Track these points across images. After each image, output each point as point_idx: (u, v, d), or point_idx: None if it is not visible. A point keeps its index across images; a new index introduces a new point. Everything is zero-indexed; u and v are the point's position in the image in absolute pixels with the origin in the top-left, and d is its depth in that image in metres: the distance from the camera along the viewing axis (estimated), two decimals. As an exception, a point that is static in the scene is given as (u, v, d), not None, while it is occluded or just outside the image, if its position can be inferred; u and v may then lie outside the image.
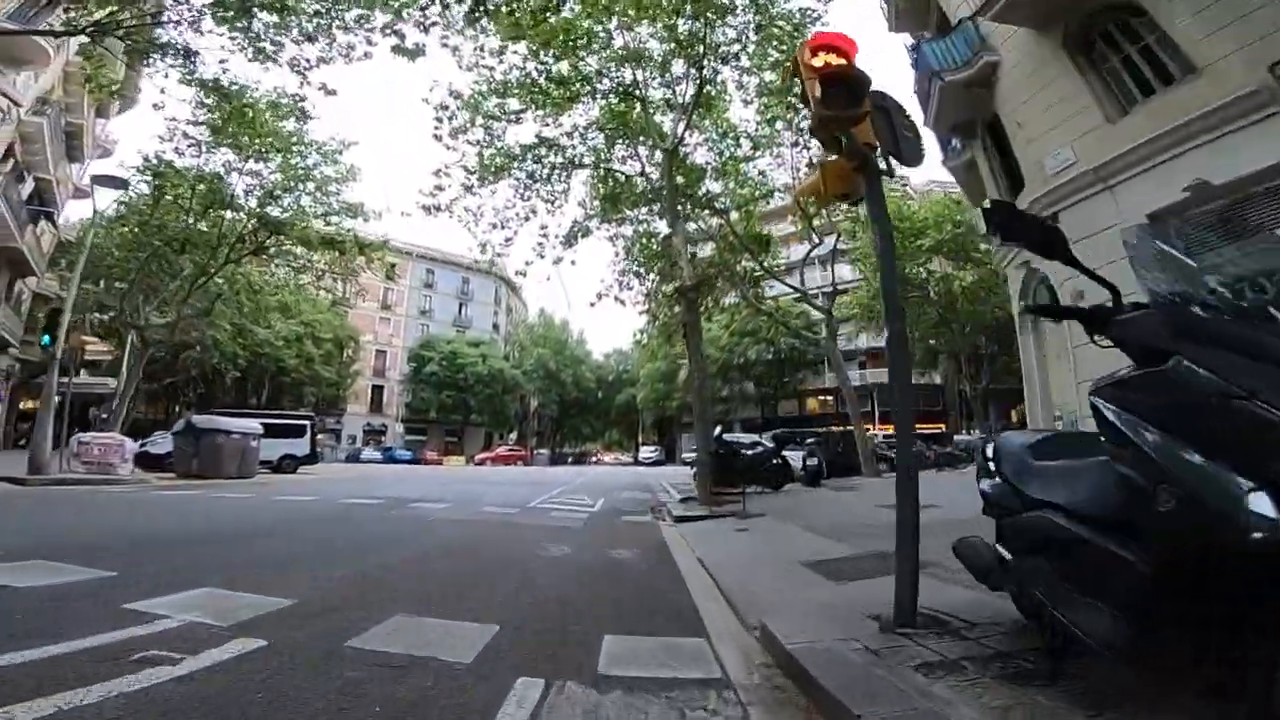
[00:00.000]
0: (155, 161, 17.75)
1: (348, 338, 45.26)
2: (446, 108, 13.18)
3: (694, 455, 31.07)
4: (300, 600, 3.36)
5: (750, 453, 10.81)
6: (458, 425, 52.60)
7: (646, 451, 52.83)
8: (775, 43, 12.81)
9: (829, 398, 47.74)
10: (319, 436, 44.59)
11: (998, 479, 2.60)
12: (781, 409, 47.72)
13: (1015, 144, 10.25)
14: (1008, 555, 2.45)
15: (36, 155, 19.98)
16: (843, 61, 3.37)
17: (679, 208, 13.11)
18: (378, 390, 52.97)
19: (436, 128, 13.26)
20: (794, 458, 13.80)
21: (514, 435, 56.39)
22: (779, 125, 16.13)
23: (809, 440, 14.88)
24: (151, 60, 11.87)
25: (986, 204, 9.50)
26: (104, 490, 10.72)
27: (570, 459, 56.03)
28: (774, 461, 12.14)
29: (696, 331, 11.46)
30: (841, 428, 22.44)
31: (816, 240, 20.57)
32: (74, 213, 28.91)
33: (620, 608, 3.71)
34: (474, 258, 15.23)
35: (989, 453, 2.78)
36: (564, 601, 3.77)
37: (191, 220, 18.78)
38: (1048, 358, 11.10)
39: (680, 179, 13.67)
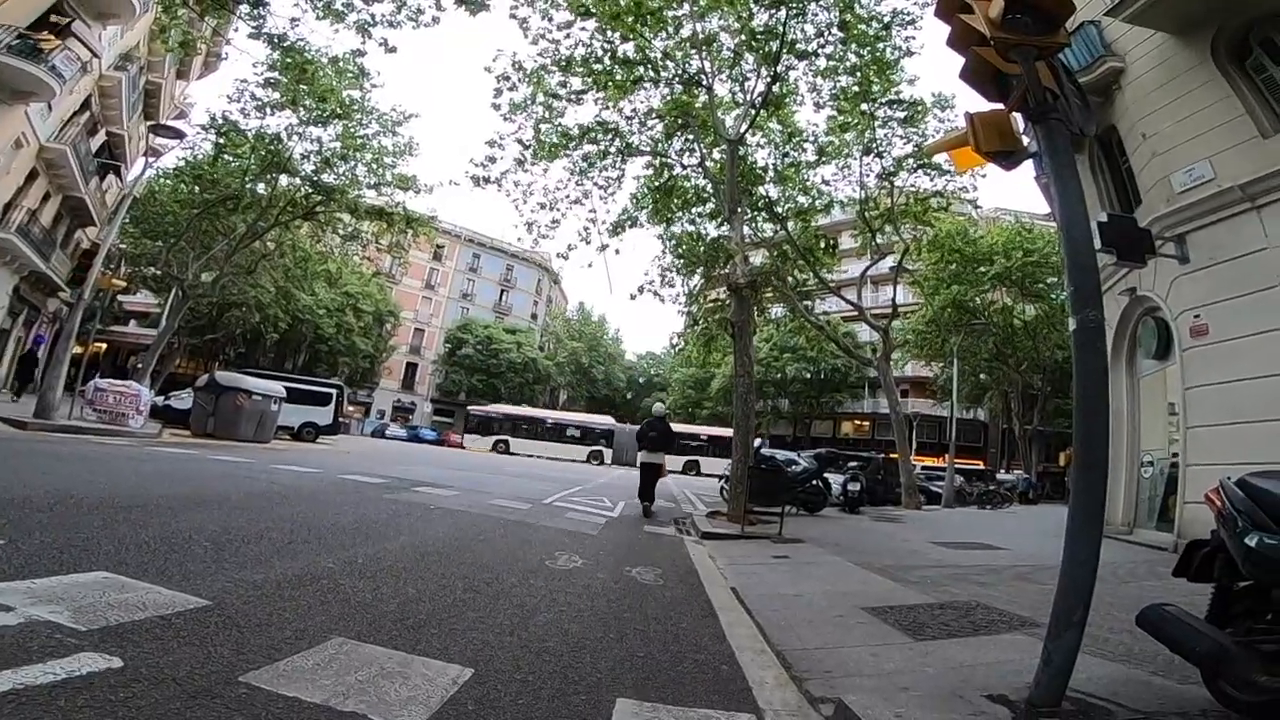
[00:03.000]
0: (221, 121, 17.75)
1: (388, 312, 45.43)
2: (508, 78, 12.59)
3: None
4: (214, 601, 2.55)
5: (793, 470, 9.79)
6: (486, 411, 52.42)
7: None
8: (857, 44, 11.91)
9: (865, 423, 46.12)
10: (347, 408, 45.33)
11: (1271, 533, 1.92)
12: (815, 429, 46.17)
13: (1135, 158, 9.01)
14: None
15: (112, 110, 20.16)
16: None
17: (738, 201, 12.20)
18: (411, 368, 53.21)
19: (496, 97, 12.69)
20: (833, 481, 12.71)
21: (540, 427, 55.90)
22: (850, 135, 15.24)
23: (851, 464, 13.71)
24: (223, 13, 11.48)
25: (1103, 217, 8.36)
26: (100, 442, 9.92)
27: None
28: (813, 483, 11.08)
29: (746, 333, 10.48)
30: (884, 455, 21.16)
31: (877, 255, 19.33)
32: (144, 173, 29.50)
33: (639, 656, 2.80)
34: (518, 239, 14.59)
35: (1232, 497, 2.16)
36: (567, 638, 2.89)
37: (248, 181, 18.68)
38: (1140, 397, 9.82)
39: (739, 178, 12.83)
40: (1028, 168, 12.18)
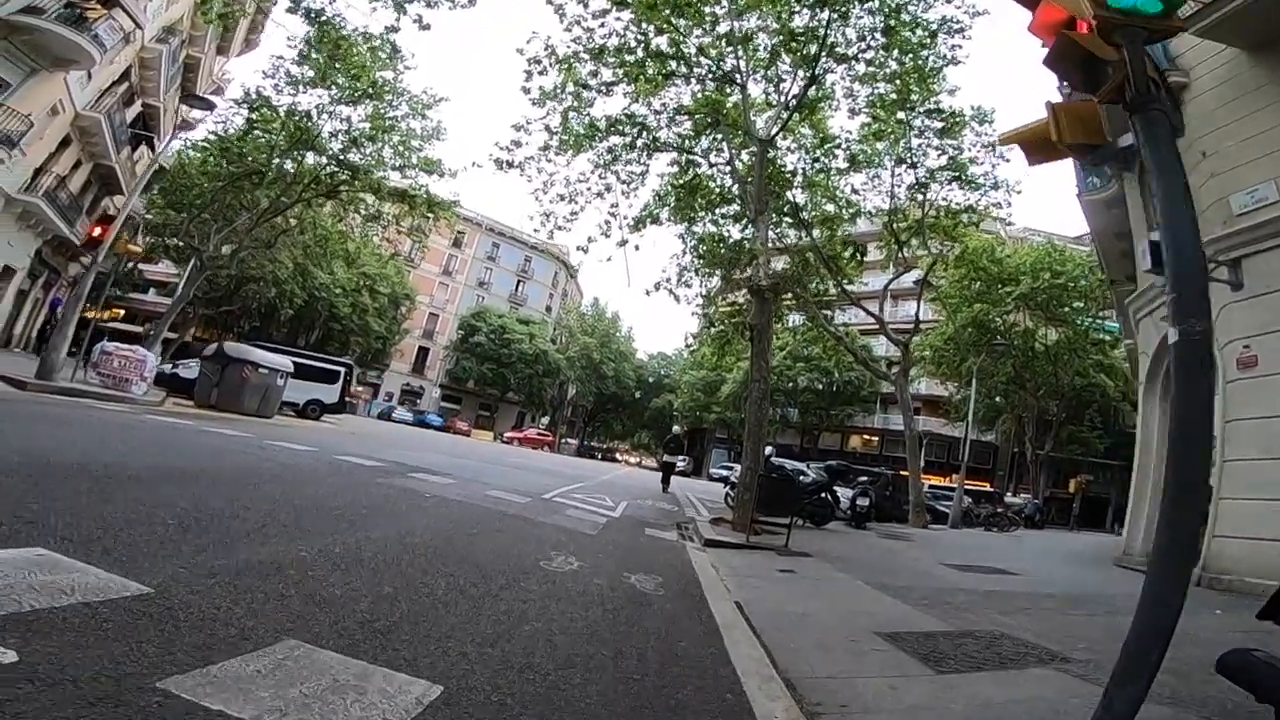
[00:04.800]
0: (254, 96, 17.68)
1: (404, 295, 45.42)
2: (539, 62, 12.32)
3: (726, 472, 29.80)
4: (156, 589, 2.25)
5: (802, 480, 9.42)
6: (493, 400, 52.41)
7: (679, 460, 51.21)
8: (900, 51, 11.54)
9: (874, 438, 45.51)
10: (355, 388, 45.35)
11: None
12: (823, 441, 45.61)
13: (1193, 177, 8.55)
14: None
15: (150, 81, 20.18)
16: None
17: (765, 203, 11.85)
18: (423, 352, 53.24)
19: (526, 80, 12.42)
20: (841, 494, 12.32)
21: (546, 419, 55.86)
22: (883, 144, 14.87)
23: (861, 478, 13.29)
24: None
25: (1154, 237, 7.92)
26: (96, 407, 9.66)
27: (599, 454, 55.06)
28: (822, 495, 10.69)
29: (766, 337, 10.12)
30: (892, 471, 20.77)
31: (902, 268, 18.86)
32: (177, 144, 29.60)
33: (635, 679, 2.48)
34: (535, 229, 14.31)
35: None
36: (556, 654, 2.57)
37: (275, 156, 18.56)
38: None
39: (767, 180, 12.51)
40: (1063, 185, 11.72)
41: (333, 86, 16.76)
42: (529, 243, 57.30)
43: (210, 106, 15.30)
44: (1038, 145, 2.81)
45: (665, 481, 16.57)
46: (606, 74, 12.22)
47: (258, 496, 4.64)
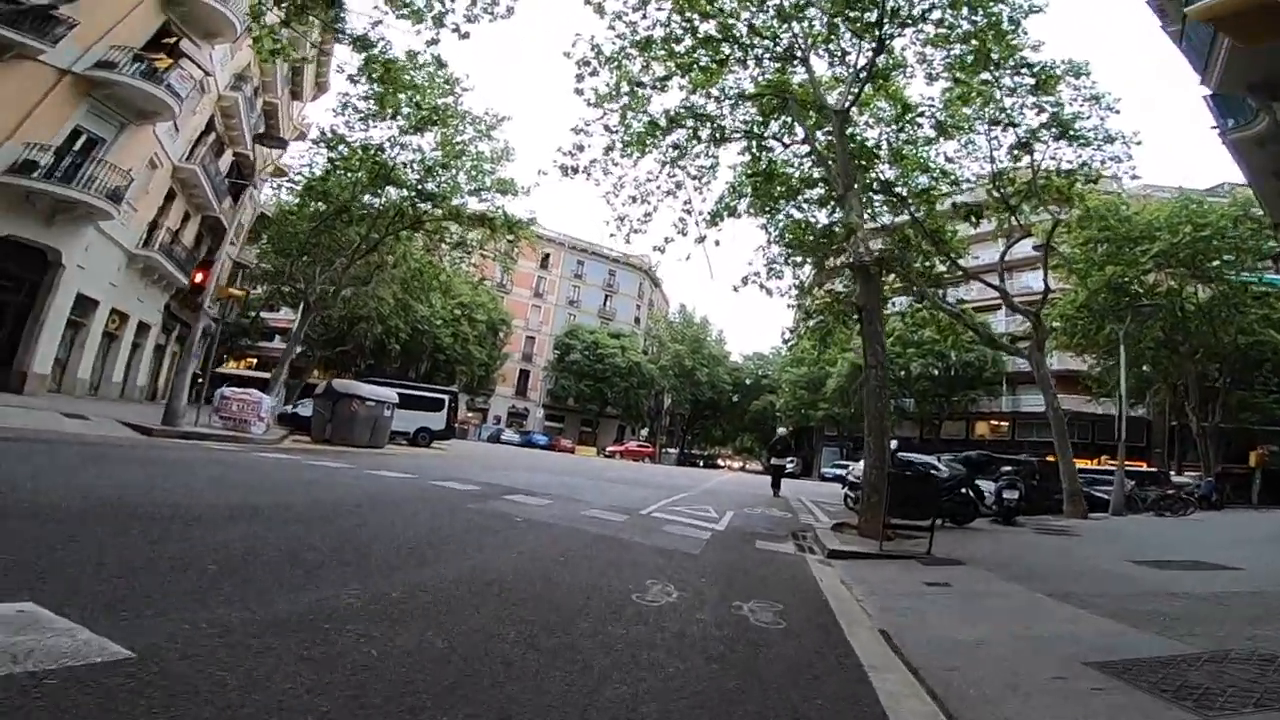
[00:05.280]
0: (330, 135, 18.77)
1: (500, 321, 47.00)
2: (588, 63, 12.00)
3: (840, 471, 27.90)
4: (140, 653, 1.80)
5: (942, 476, 8.20)
6: (593, 415, 53.02)
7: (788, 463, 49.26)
8: (968, 7, 10.39)
9: (1003, 422, 41.45)
10: (468, 415, 47.34)
11: None
12: (945, 431, 42.12)
13: None
14: None
15: (234, 130, 21.94)
16: None
17: (852, 177, 10.76)
18: (524, 374, 54.87)
19: (578, 83, 12.13)
20: (984, 488, 10.81)
21: (645, 431, 55.73)
22: (970, 109, 13.37)
23: (1005, 468, 11.61)
24: (306, 18, 11.70)
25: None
26: (208, 448, 9.88)
27: (701, 461, 54.09)
28: (962, 490, 9.32)
29: (876, 318, 9.01)
30: (1036, 457, 18.43)
31: (1020, 234, 16.71)
32: (270, 192, 32.24)
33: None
34: (611, 235, 14.11)
35: None
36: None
37: (360, 192, 19.56)
38: None
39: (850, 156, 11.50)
40: (1190, 136, 9.69)
41: (397, 115, 17.26)
42: (612, 256, 57.82)
43: (283, 145, 16.29)
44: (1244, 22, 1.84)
45: (775, 486, 15.90)
46: (659, 69, 11.80)
47: (329, 532, 4.32)
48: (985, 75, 12.30)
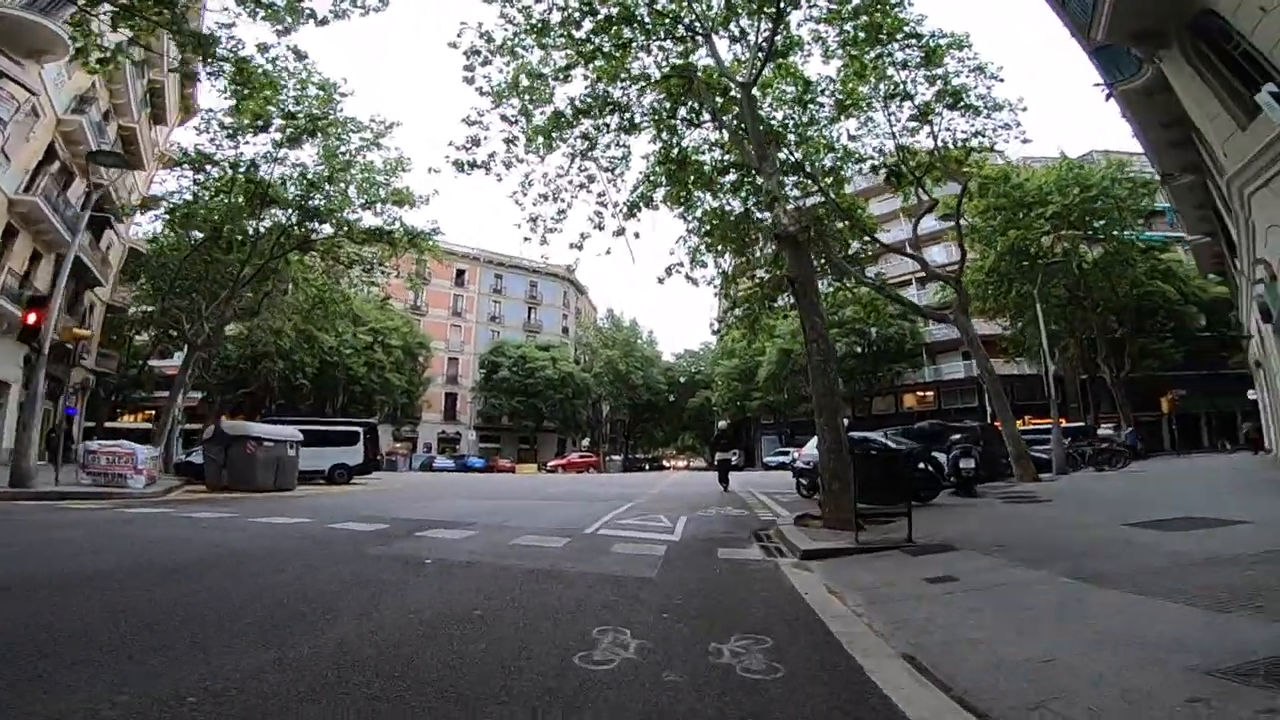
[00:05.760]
0: (195, 155, 16.72)
1: (418, 344, 44.52)
2: (478, 52, 10.95)
3: (783, 459, 27.65)
4: None
5: (903, 453, 7.61)
6: (530, 431, 51.21)
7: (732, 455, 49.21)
8: None
9: (929, 392, 42.91)
10: (395, 445, 44.49)
11: None
12: (876, 407, 43.17)
13: (1259, 38, 6.73)
14: None
15: (80, 159, 19.24)
16: None
17: (765, 147, 10.23)
18: (451, 398, 52.35)
19: (468, 73, 11.05)
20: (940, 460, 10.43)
21: (586, 441, 54.42)
22: (865, 87, 13.83)
23: (954, 437, 11.29)
24: (142, 23, 9.95)
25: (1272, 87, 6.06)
26: (69, 508, 8.63)
27: (647, 465, 53.32)
28: (922, 466, 8.83)
29: (811, 289, 8.38)
30: (976, 422, 18.71)
31: (928, 205, 16.79)
32: (145, 226, 28.93)
33: None
34: (525, 239, 13.06)
35: None
36: None
37: (238, 217, 17.49)
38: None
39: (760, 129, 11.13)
40: (1072, 101, 9.75)
41: (268, 127, 15.58)
42: (532, 267, 56.08)
43: (124, 164, 14.25)
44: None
45: (724, 481, 15.33)
46: (559, 58, 11.00)
47: (167, 599, 3.21)
48: (877, 50, 12.62)
